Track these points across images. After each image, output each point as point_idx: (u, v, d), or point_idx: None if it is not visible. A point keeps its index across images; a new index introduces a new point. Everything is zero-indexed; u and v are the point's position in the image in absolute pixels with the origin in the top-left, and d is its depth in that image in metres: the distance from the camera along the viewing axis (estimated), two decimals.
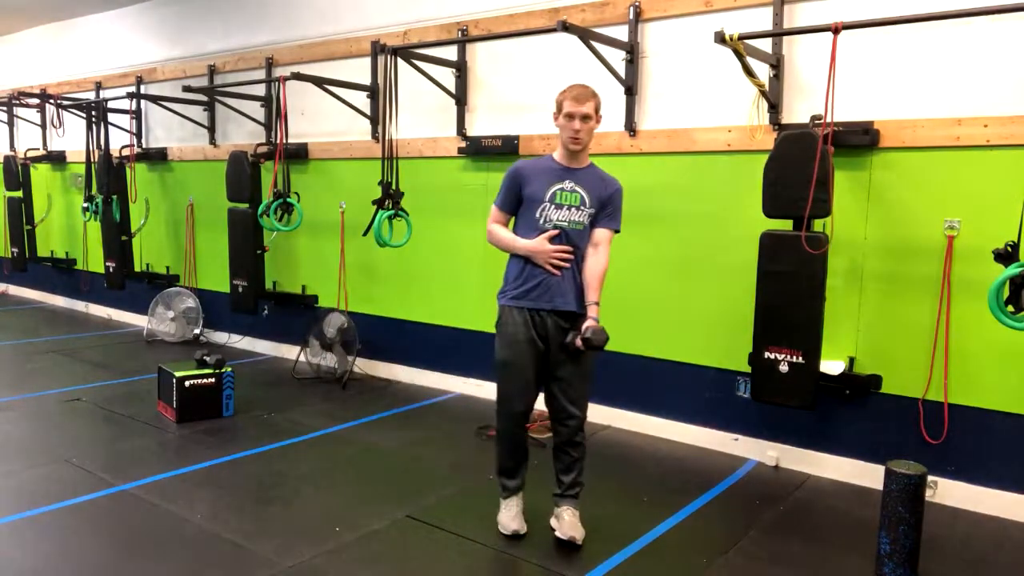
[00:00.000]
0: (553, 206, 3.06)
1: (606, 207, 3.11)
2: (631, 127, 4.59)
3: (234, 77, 6.72)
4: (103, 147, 7.11)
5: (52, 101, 7.81)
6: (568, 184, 3.07)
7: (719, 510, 3.62)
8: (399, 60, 4.92)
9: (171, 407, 4.69)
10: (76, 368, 6.10)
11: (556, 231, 3.05)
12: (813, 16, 3.90)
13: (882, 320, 3.86)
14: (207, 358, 4.78)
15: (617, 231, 3.18)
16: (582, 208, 3.07)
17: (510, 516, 3.22)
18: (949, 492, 3.69)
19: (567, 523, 3.14)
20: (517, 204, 3.14)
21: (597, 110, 3.05)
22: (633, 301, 4.69)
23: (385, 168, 5.00)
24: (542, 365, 3.12)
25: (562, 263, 3.05)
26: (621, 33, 4.55)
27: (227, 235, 6.34)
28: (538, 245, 3.05)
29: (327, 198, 6.12)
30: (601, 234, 3.11)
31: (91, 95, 8.05)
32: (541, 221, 3.06)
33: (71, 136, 8.28)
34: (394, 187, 5.03)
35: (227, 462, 4.04)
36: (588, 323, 3.01)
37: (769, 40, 4.01)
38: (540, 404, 4.95)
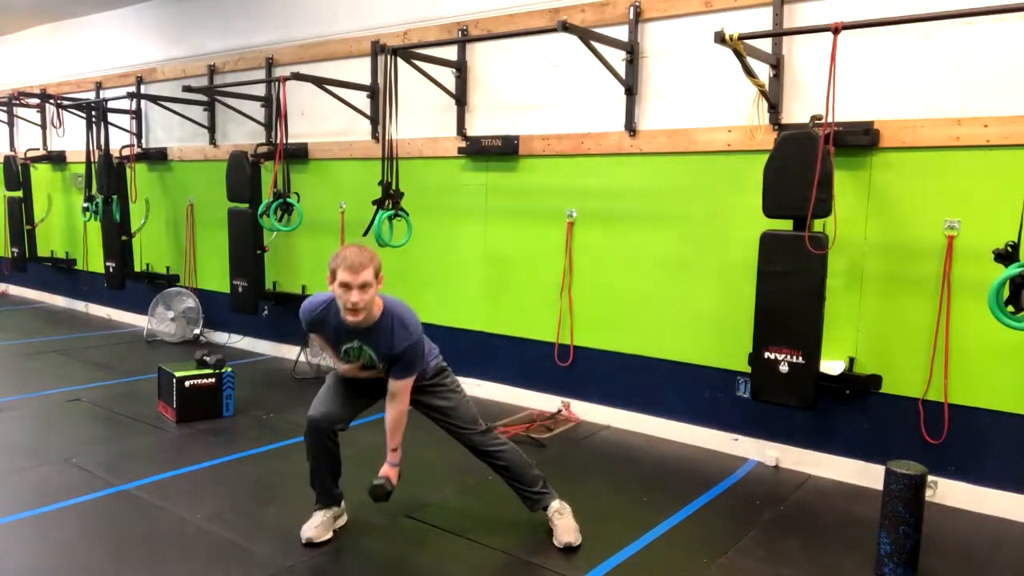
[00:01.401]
0: (346, 362, 3.13)
1: (396, 362, 3.01)
2: (631, 127, 4.59)
3: (234, 77, 6.72)
4: (103, 147, 7.10)
5: (52, 101, 7.81)
6: (356, 343, 3.04)
7: (719, 510, 3.62)
8: (399, 60, 4.92)
9: (171, 407, 4.69)
10: (76, 368, 6.10)
11: (360, 364, 3.11)
12: (813, 16, 3.90)
13: (882, 320, 3.86)
14: (207, 358, 4.78)
15: (413, 376, 3.09)
16: (373, 363, 3.08)
17: (309, 524, 3.18)
18: (949, 492, 3.69)
19: (560, 529, 3.14)
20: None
21: (377, 274, 2.88)
22: (633, 301, 4.70)
23: (385, 168, 5.00)
24: (362, 400, 3.23)
25: (379, 375, 3.13)
26: (621, 33, 4.55)
27: (227, 235, 6.34)
28: (350, 372, 3.16)
29: (327, 198, 6.12)
30: (395, 385, 3.05)
31: (91, 95, 8.05)
32: (345, 361, 3.14)
33: (71, 136, 8.28)
34: (394, 187, 5.02)
35: (227, 462, 4.04)
36: (381, 471, 3.08)
37: (769, 40, 4.01)
38: (540, 404, 4.96)
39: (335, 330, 3.04)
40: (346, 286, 2.81)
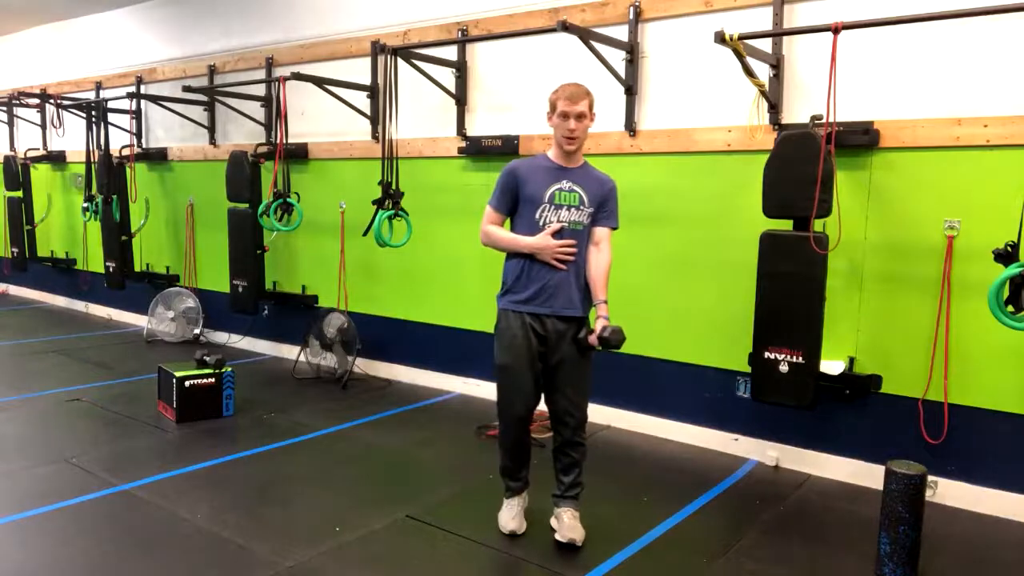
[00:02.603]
0: (552, 207, 3.05)
1: (604, 206, 3.13)
2: (631, 127, 4.59)
3: (234, 77, 6.72)
4: (103, 147, 7.10)
5: (52, 101, 7.81)
6: (566, 184, 3.07)
7: (719, 510, 3.62)
8: (399, 60, 4.92)
9: (171, 407, 4.69)
10: (76, 368, 6.10)
11: (559, 226, 3.04)
12: (813, 16, 3.90)
13: (882, 320, 3.86)
14: (207, 358, 4.78)
15: (615, 228, 3.20)
16: (581, 208, 3.07)
17: (510, 515, 3.22)
18: (949, 492, 3.69)
19: (566, 525, 3.14)
20: (514, 205, 3.12)
21: (591, 108, 3.05)
22: (633, 301, 4.68)
23: (385, 168, 5.00)
24: (542, 368, 3.12)
25: (568, 257, 3.05)
26: (621, 33, 4.55)
27: (227, 235, 6.34)
28: (542, 241, 3.03)
29: (327, 198, 6.12)
30: (602, 232, 3.13)
31: (91, 95, 8.05)
32: (541, 222, 3.05)
33: (71, 136, 8.29)
34: (394, 187, 5.03)
35: (227, 462, 4.04)
36: (603, 323, 3.02)
37: (769, 40, 4.01)
38: (540, 404, 4.94)
39: (546, 172, 3.08)
40: (564, 115, 2.98)
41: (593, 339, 3.01)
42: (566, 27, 3.95)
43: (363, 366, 5.97)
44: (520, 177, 3.09)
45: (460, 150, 5.34)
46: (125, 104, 7.47)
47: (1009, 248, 2.93)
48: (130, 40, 7.84)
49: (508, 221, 3.19)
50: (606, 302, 3.08)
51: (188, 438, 4.43)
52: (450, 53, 5.29)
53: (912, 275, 3.75)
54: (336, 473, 3.96)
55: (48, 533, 3.19)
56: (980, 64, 3.55)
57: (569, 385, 3.12)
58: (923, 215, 3.71)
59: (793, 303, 3.68)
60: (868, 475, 3.84)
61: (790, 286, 3.68)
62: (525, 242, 3.06)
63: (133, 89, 7.61)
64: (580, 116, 2.99)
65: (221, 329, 7.14)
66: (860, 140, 3.79)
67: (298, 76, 5.29)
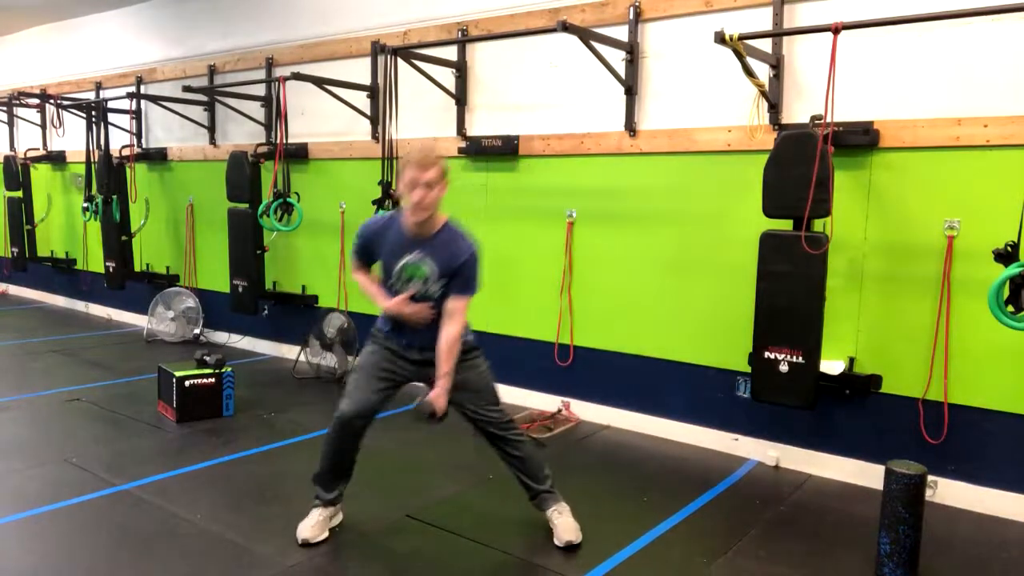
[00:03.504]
0: (402, 281, 3.04)
1: (456, 277, 3.00)
2: (631, 127, 4.59)
3: (234, 77, 6.72)
4: (103, 147, 7.10)
5: (52, 101, 7.81)
6: (416, 255, 3.00)
7: (719, 510, 3.62)
8: (399, 60, 4.92)
9: (171, 407, 4.69)
10: (76, 368, 6.10)
11: (411, 293, 3.03)
12: (813, 16, 3.90)
13: (882, 320, 3.86)
14: (207, 358, 4.78)
15: (472, 294, 3.07)
16: (429, 281, 3.01)
17: (307, 524, 3.15)
18: (949, 492, 3.69)
19: (561, 528, 3.13)
20: (372, 260, 3.14)
21: (442, 176, 2.92)
22: (633, 301, 4.70)
23: (385, 168, 5.01)
24: (391, 387, 3.15)
25: (424, 320, 3.04)
26: (621, 33, 4.55)
27: (227, 235, 6.34)
28: (396, 308, 3.03)
29: (327, 198, 6.12)
30: (453, 305, 3.01)
31: (91, 95, 8.06)
32: (393, 291, 3.07)
33: (71, 136, 8.29)
34: (394, 187, 5.03)
35: (227, 462, 4.04)
36: (430, 395, 2.97)
37: (769, 40, 4.01)
38: (540, 404, 4.96)
39: (396, 242, 3.02)
40: (413, 183, 2.88)
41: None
42: (566, 27, 3.95)
43: None
44: (371, 246, 3.10)
45: (460, 150, 5.34)
46: (125, 104, 7.47)
47: (1009, 248, 2.93)
48: (130, 40, 7.84)
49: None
50: (447, 375, 2.98)
51: (188, 438, 4.43)
52: (450, 53, 5.29)
53: (912, 275, 3.75)
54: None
55: (48, 533, 3.19)
56: (980, 64, 3.55)
57: (465, 398, 3.13)
58: (923, 215, 3.71)
59: (793, 303, 3.68)
60: (868, 475, 3.84)
61: (790, 286, 3.68)
62: (383, 304, 3.09)
63: (133, 89, 7.61)
64: (429, 184, 2.87)
65: (221, 329, 7.14)
66: (860, 140, 3.79)
67: (298, 76, 5.29)
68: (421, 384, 3.11)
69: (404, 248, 3.01)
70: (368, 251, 3.12)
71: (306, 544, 3.07)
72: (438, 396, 2.95)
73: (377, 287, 3.13)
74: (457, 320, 3.02)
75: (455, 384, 3.04)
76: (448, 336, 2.99)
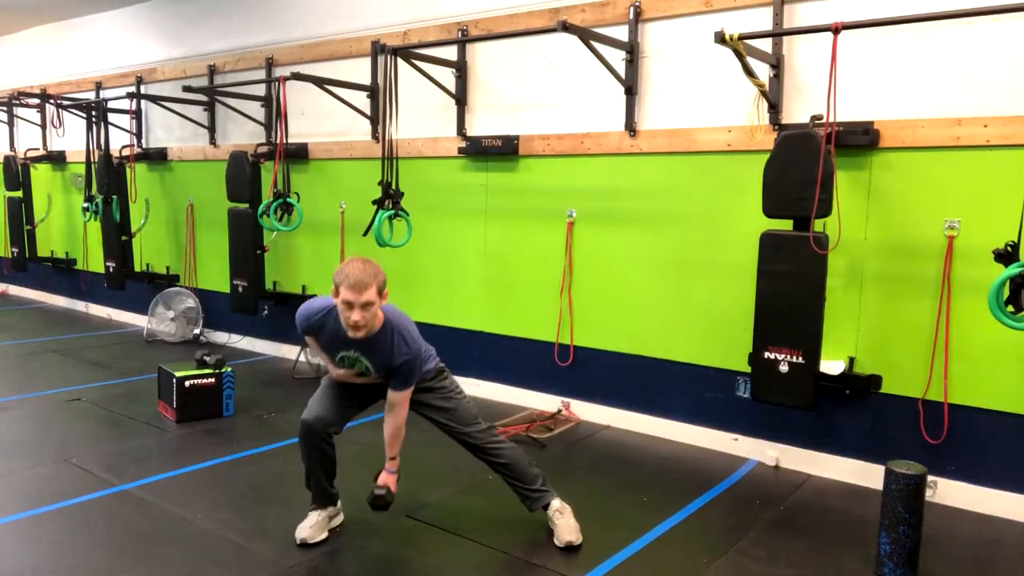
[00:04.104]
0: (343, 368, 3.10)
1: (395, 373, 3.00)
2: (631, 127, 4.59)
3: (234, 77, 6.72)
4: (103, 147, 7.10)
5: (52, 101, 7.80)
6: (352, 352, 3.01)
7: (719, 510, 3.62)
8: (399, 60, 4.92)
9: (171, 407, 4.69)
10: (76, 368, 6.10)
11: (355, 372, 3.09)
12: (813, 16, 3.90)
13: (882, 320, 3.86)
14: (207, 358, 4.78)
15: (411, 387, 3.07)
16: (368, 371, 3.06)
17: (304, 525, 3.16)
18: (949, 492, 3.69)
19: (561, 528, 3.13)
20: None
21: (381, 291, 2.83)
22: (633, 301, 4.69)
23: (385, 168, 5.00)
24: (356, 404, 3.21)
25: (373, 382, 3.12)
26: (621, 33, 4.55)
27: (227, 235, 6.34)
28: (344, 377, 3.12)
29: (327, 198, 6.12)
30: (394, 397, 3.04)
31: (91, 95, 8.05)
32: (336, 372, 3.13)
33: (71, 136, 8.28)
34: (394, 187, 5.02)
35: (227, 462, 4.04)
36: (380, 479, 3.08)
37: (769, 40, 4.01)
38: (540, 404, 4.95)
39: (332, 338, 3.00)
40: (348, 304, 2.77)
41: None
42: (566, 27, 3.95)
43: None
44: (313, 334, 3.08)
45: (460, 150, 5.34)
46: (125, 104, 7.47)
47: (1009, 248, 2.92)
48: (130, 40, 7.84)
49: None
50: (394, 458, 3.09)
51: (188, 438, 4.42)
52: (450, 53, 5.29)
53: (912, 275, 3.75)
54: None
55: (48, 533, 3.19)
56: (980, 64, 3.55)
57: (442, 422, 3.21)
58: (923, 215, 3.70)
59: (793, 303, 3.68)
60: (868, 475, 3.84)
61: (790, 286, 3.68)
62: (333, 374, 3.15)
63: (133, 89, 7.61)
64: (366, 305, 2.77)
65: (221, 329, 7.14)
66: (860, 140, 3.79)
67: (298, 76, 5.29)
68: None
69: (342, 344, 2.99)
70: (311, 337, 3.12)
71: (304, 544, 3.07)
72: (387, 482, 3.07)
73: (325, 355, 3.14)
74: (399, 411, 3.07)
75: (432, 407, 3.16)
76: (392, 426, 3.07)
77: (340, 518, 3.28)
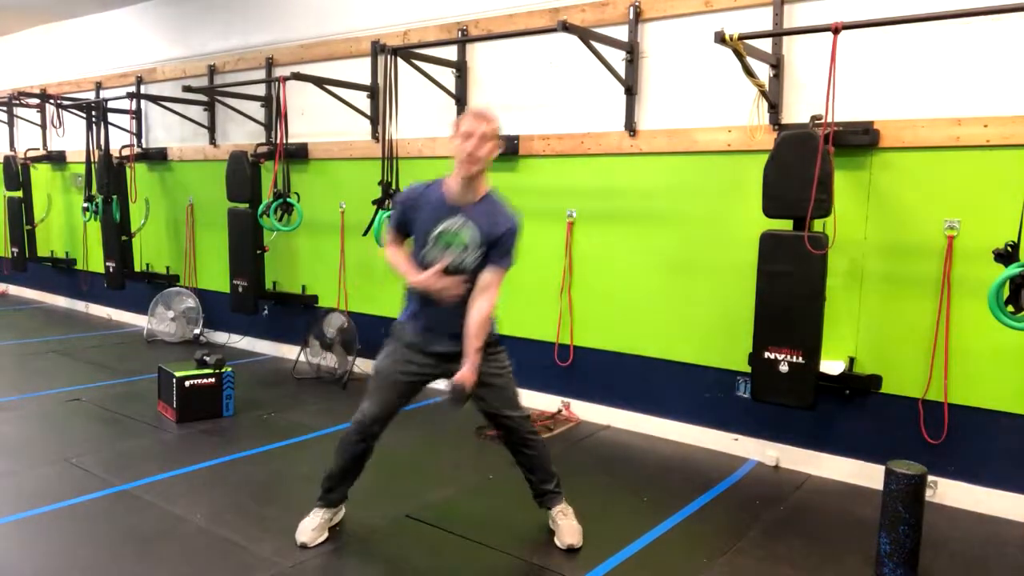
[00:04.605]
0: (437, 248, 2.91)
1: (495, 247, 2.89)
2: (631, 127, 4.59)
3: (234, 77, 6.72)
4: (103, 147, 7.11)
5: (52, 101, 7.81)
6: (456, 222, 2.88)
7: (719, 510, 3.62)
8: (399, 60, 4.92)
9: (171, 407, 4.69)
10: (76, 368, 6.10)
11: (442, 266, 2.89)
12: (813, 16, 3.90)
13: (882, 320, 3.86)
14: (207, 358, 4.78)
15: (508, 268, 2.95)
16: (467, 250, 2.89)
17: (309, 526, 3.13)
18: (949, 492, 3.69)
19: (563, 530, 3.13)
20: (408, 232, 3.03)
21: (495, 135, 2.85)
22: (633, 301, 4.69)
23: (385, 168, 5.01)
24: (411, 392, 3.08)
25: (453, 296, 2.90)
26: (621, 33, 4.55)
27: (227, 235, 6.34)
28: (426, 281, 2.89)
29: (327, 198, 6.12)
30: (488, 277, 2.90)
31: (91, 95, 8.05)
32: (424, 261, 2.93)
33: (71, 136, 8.28)
34: (394, 187, 5.03)
35: (227, 462, 4.04)
36: (457, 375, 2.86)
37: (769, 40, 4.01)
38: (540, 404, 4.95)
39: (436, 207, 2.90)
40: (468, 135, 2.79)
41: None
42: (566, 27, 3.95)
43: (363, 366, 5.96)
44: (408, 211, 2.97)
45: None
46: (125, 104, 7.47)
47: (1009, 248, 2.93)
48: (130, 40, 7.84)
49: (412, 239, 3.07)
50: (478, 350, 2.88)
51: (188, 438, 4.43)
52: (450, 53, 5.29)
53: (912, 275, 3.75)
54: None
55: (48, 533, 3.19)
56: (980, 64, 3.55)
57: (488, 396, 3.05)
58: (923, 215, 3.70)
59: (793, 303, 3.68)
60: (868, 475, 3.84)
61: (790, 286, 3.68)
62: (412, 279, 2.95)
63: (133, 89, 7.61)
64: (484, 136, 2.79)
65: (221, 329, 7.14)
66: (860, 140, 3.79)
67: (298, 76, 5.29)
68: (443, 383, 3.00)
69: (444, 213, 2.89)
70: (406, 220, 2.98)
71: (304, 547, 3.06)
72: (466, 376, 2.84)
73: (407, 261, 3.00)
74: (490, 295, 2.90)
75: (485, 376, 2.96)
76: (480, 311, 2.88)
77: (340, 515, 3.27)
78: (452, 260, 2.90)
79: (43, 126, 8.76)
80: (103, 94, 7.90)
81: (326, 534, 3.15)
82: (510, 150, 5.07)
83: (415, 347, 3.04)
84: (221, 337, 7.13)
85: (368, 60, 5.74)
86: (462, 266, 2.91)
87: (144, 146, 7.69)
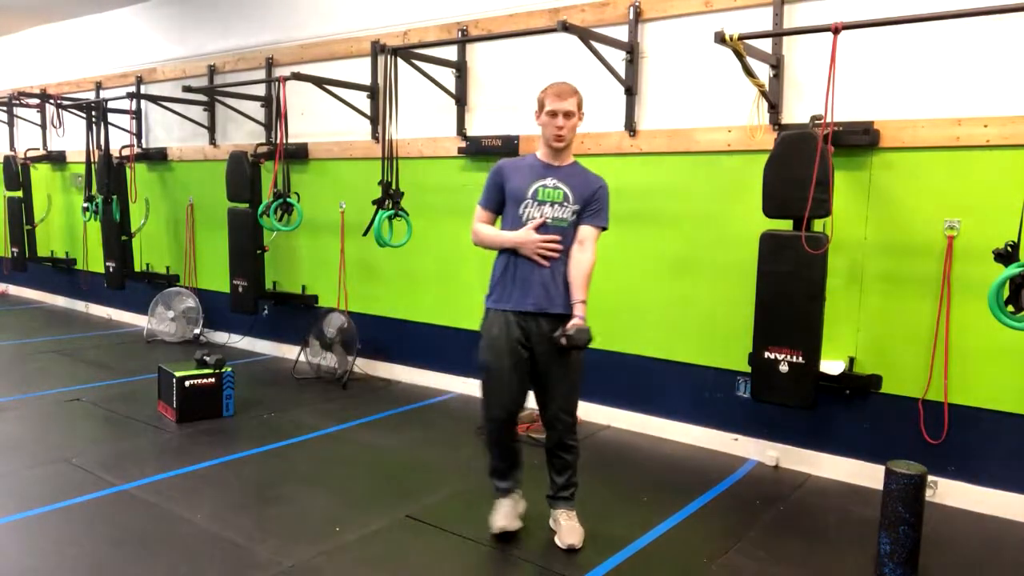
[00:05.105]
0: (535, 203, 3.02)
1: (590, 204, 3.05)
2: (631, 127, 4.59)
3: (234, 77, 6.72)
4: (103, 147, 7.11)
5: (52, 101, 7.81)
6: (551, 181, 3.04)
7: (719, 510, 3.62)
8: (399, 60, 4.92)
9: (171, 407, 4.69)
10: (76, 368, 6.10)
11: (541, 221, 3.00)
12: (813, 16, 3.90)
13: (882, 320, 3.86)
14: (207, 358, 4.78)
15: (604, 228, 3.12)
16: (565, 205, 3.02)
17: (499, 515, 3.19)
18: (949, 492, 3.69)
19: (565, 530, 3.13)
20: (501, 202, 3.11)
21: (579, 106, 3.02)
22: (633, 301, 4.69)
23: (385, 168, 5.00)
24: (527, 369, 3.07)
25: (550, 253, 2.99)
26: (621, 33, 4.55)
27: (227, 235, 6.34)
28: (524, 236, 3.00)
29: (327, 198, 6.12)
30: (586, 231, 3.05)
31: (91, 95, 8.05)
32: (524, 218, 3.03)
33: (71, 136, 8.28)
34: (394, 187, 5.03)
35: (227, 462, 4.04)
36: (573, 321, 2.96)
37: (769, 40, 4.01)
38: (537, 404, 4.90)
39: (532, 167, 3.07)
40: (553, 114, 2.95)
41: (562, 339, 2.93)
42: (566, 27, 3.95)
43: (363, 366, 5.97)
44: (505, 174, 3.10)
45: (460, 150, 5.34)
46: (125, 104, 7.47)
47: (1009, 248, 2.92)
48: (130, 40, 7.84)
49: (499, 220, 3.16)
50: (583, 302, 2.99)
51: (188, 438, 4.42)
52: (450, 53, 5.29)
53: (912, 275, 3.75)
54: (336, 473, 3.96)
55: (48, 533, 3.19)
56: (980, 64, 3.55)
57: (557, 386, 3.08)
58: (923, 215, 3.71)
59: (793, 303, 3.68)
60: (868, 475, 3.84)
61: (790, 286, 3.68)
62: (508, 237, 3.05)
63: (133, 89, 7.61)
64: (568, 114, 2.96)
65: (221, 329, 7.14)
66: (860, 140, 3.79)
67: (298, 76, 5.29)
68: (543, 358, 3.03)
69: (538, 174, 3.04)
70: (499, 185, 3.08)
71: (504, 532, 3.11)
72: (579, 325, 2.91)
73: (497, 229, 3.12)
74: (590, 249, 3.03)
75: (551, 367, 3.02)
76: (581, 264, 3.00)
77: (523, 505, 3.29)
78: (551, 214, 3.02)
79: (43, 126, 8.76)
80: (103, 94, 7.90)
81: (519, 522, 3.20)
82: (510, 150, 5.06)
83: (511, 324, 3.03)
84: (221, 337, 7.13)
85: (368, 60, 5.74)
86: (559, 221, 3.02)
87: (144, 146, 7.69)
